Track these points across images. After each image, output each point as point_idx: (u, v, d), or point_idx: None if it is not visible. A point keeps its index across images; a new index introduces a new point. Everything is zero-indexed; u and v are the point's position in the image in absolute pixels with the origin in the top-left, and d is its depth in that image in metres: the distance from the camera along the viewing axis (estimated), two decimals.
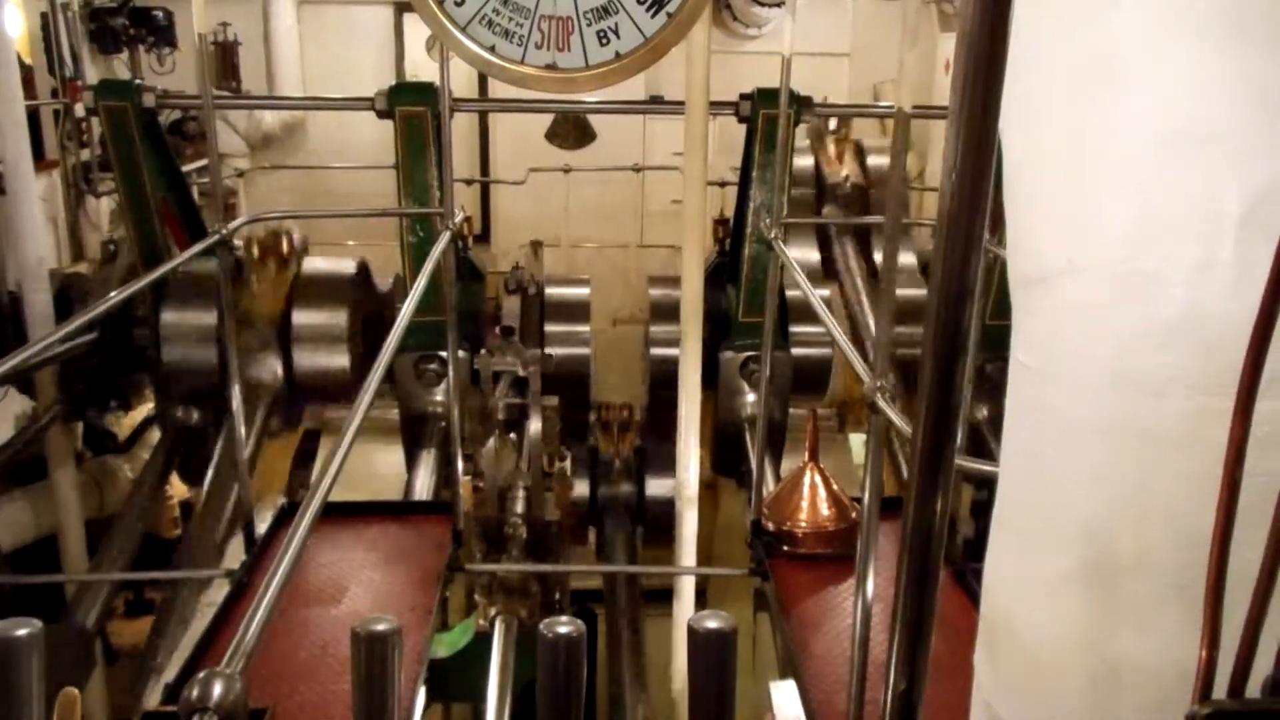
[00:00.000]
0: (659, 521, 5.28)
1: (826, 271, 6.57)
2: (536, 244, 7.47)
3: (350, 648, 0.97)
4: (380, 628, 0.97)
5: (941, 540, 0.99)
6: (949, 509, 0.99)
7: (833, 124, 7.14)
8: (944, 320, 0.91)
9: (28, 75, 7.35)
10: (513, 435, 4.10)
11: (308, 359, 5.12)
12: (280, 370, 5.12)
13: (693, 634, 1.10)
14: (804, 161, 6.76)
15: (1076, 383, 1.10)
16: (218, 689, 0.92)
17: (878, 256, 6.42)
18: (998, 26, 0.83)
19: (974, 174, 0.87)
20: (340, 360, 5.13)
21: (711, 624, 1.11)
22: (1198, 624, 0.85)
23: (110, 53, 9.76)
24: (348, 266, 5.39)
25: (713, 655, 1.11)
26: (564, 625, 1.05)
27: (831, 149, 6.95)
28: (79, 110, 7.84)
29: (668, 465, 4.73)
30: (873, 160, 6.95)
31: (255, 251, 5.09)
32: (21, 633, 0.90)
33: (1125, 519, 1.07)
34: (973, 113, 0.86)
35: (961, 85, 0.86)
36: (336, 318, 5.17)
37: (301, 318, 5.15)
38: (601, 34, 2.44)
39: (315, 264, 5.42)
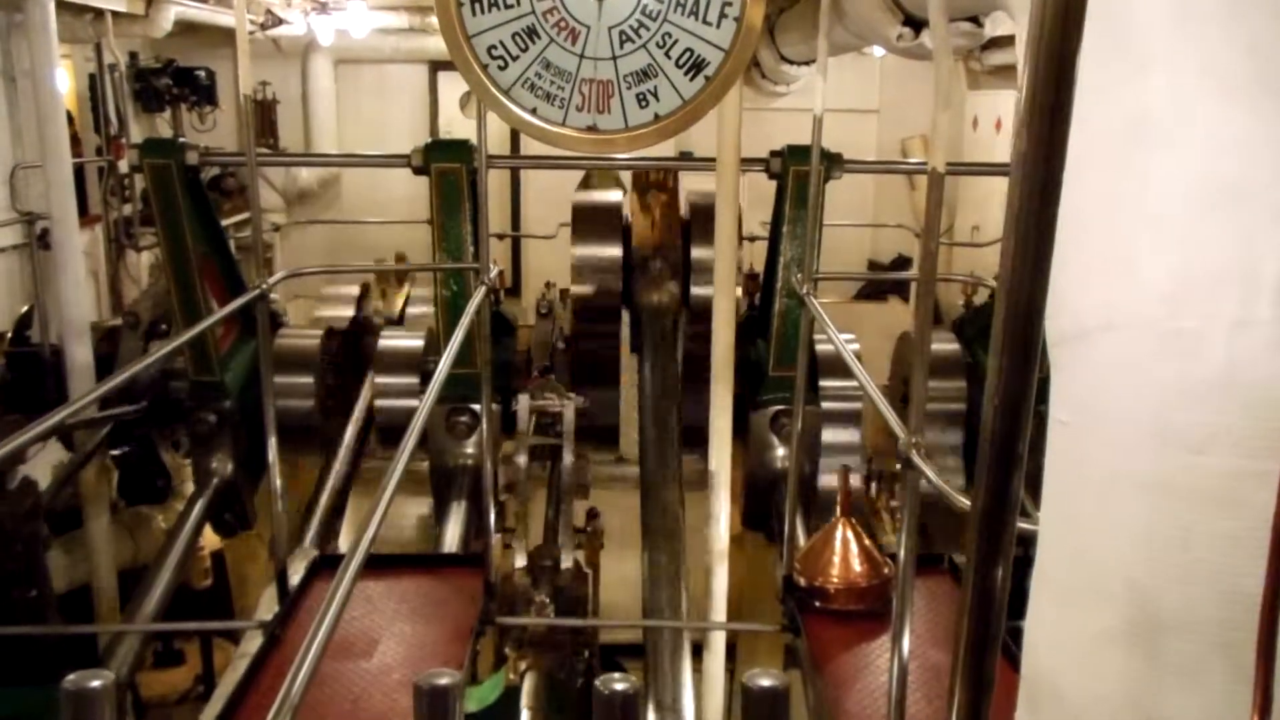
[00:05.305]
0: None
1: None
2: (564, 292, 7.48)
3: (413, 700, 0.98)
4: (442, 681, 0.99)
5: (1003, 612, 0.99)
6: (1010, 576, 0.99)
7: None
8: (1006, 386, 0.91)
9: (73, 133, 7.57)
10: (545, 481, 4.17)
11: None
12: None
13: (747, 692, 1.10)
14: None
15: (1116, 440, 1.10)
16: None
17: None
18: (1063, 84, 0.85)
19: (1037, 243, 0.88)
20: None
21: (765, 682, 1.11)
22: (1243, 683, 0.85)
23: (153, 111, 10.03)
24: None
25: (766, 712, 1.11)
26: (619, 682, 1.05)
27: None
28: (122, 167, 8.04)
29: None
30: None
31: None
32: (95, 684, 0.92)
33: (1168, 577, 1.07)
34: (1034, 179, 0.87)
35: (1025, 144, 0.87)
36: None
37: None
38: (641, 97, 2.50)
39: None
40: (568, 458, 4.16)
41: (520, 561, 3.84)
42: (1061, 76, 0.85)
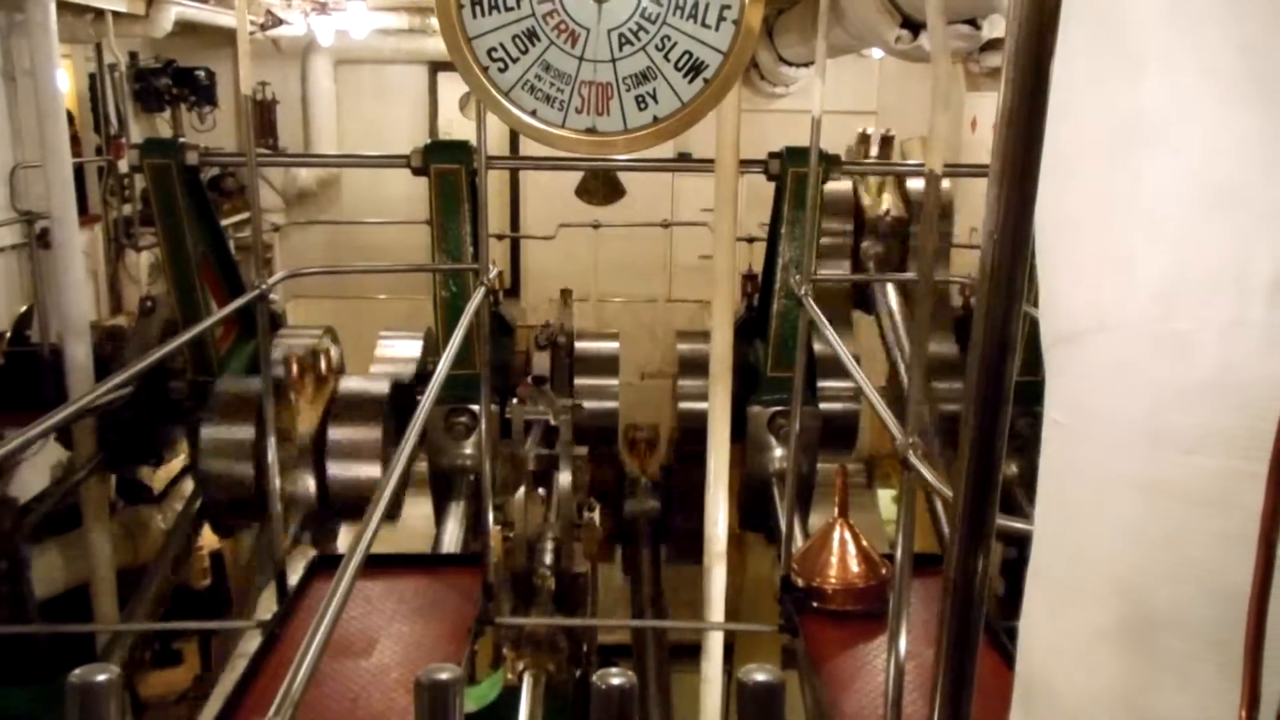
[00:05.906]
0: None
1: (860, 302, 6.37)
2: (566, 292, 7.54)
3: (414, 696, 0.99)
4: (443, 676, 0.99)
5: (983, 603, 1.00)
6: (988, 570, 1.00)
7: (873, 152, 6.64)
8: (985, 381, 0.92)
9: (73, 133, 7.58)
10: (541, 490, 4.12)
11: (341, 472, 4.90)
12: (313, 486, 4.91)
13: (743, 687, 1.11)
14: (841, 188, 6.16)
15: (1110, 440, 1.11)
16: None
17: None
18: (1037, 92, 0.86)
19: (1014, 239, 0.89)
20: (372, 473, 4.91)
21: (760, 677, 1.12)
22: (1235, 681, 0.86)
23: (153, 111, 10.04)
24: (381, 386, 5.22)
25: (762, 708, 1.11)
26: (616, 677, 1.06)
27: (872, 181, 6.38)
28: (122, 166, 8.04)
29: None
30: (913, 185, 6.28)
31: (295, 370, 4.78)
32: (101, 678, 0.93)
33: (1160, 576, 1.07)
34: (1013, 177, 0.88)
35: (1002, 150, 0.88)
36: (371, 433, 4.97)
37: (337, 434, 4.91)
38: (640, 99, 2.52)
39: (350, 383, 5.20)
40: (564, 475, 4.05)
41: (518, 558, 3.83)
42: (1037, 80, 0.86)
